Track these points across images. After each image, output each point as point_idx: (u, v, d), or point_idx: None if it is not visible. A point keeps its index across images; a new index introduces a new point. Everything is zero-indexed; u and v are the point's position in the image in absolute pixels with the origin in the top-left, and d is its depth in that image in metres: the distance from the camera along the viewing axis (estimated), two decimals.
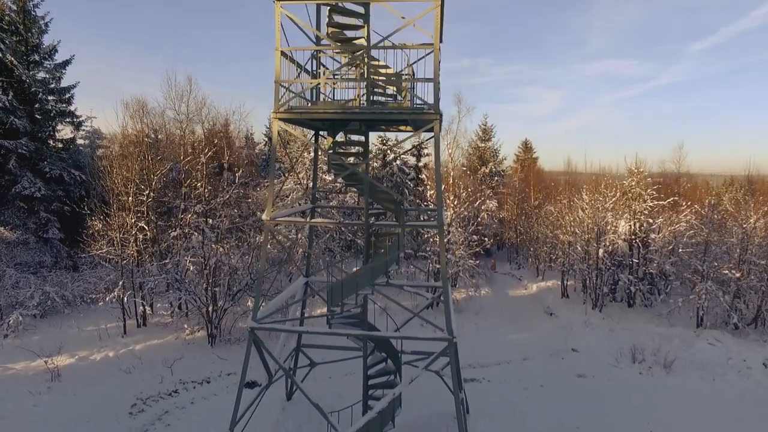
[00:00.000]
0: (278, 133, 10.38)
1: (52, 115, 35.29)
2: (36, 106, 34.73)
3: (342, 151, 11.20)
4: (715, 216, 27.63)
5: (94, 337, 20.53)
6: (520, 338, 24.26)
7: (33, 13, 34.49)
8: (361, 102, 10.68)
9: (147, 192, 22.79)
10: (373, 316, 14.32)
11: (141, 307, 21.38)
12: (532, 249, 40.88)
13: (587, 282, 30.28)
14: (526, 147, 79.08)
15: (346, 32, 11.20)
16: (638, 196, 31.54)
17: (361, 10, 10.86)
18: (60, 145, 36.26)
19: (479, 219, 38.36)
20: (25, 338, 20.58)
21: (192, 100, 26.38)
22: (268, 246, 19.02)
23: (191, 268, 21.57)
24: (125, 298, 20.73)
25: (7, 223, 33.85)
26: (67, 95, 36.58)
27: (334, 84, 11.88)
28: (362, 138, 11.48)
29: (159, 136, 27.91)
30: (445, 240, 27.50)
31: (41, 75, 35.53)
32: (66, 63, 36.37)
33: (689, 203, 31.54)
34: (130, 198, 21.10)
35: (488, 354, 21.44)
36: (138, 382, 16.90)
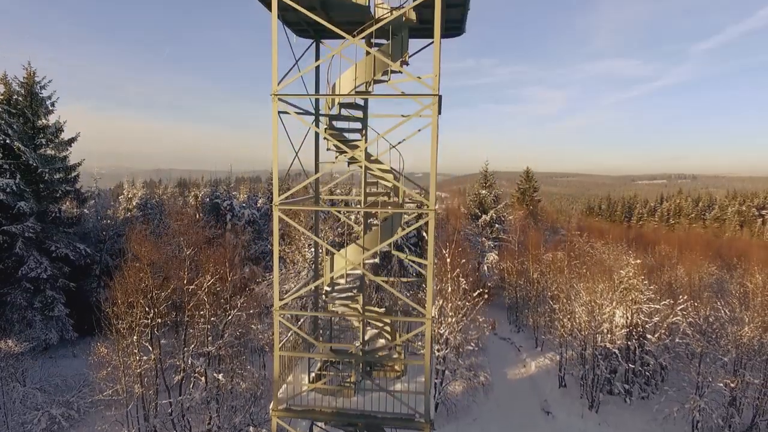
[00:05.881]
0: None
1: (57, 195, 35.77)
2: (42, 186, 35.25)
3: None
4: (709, 328, 27.91)
5: None
6: None
7: (39, 94, 34.93)
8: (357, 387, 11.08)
9: (151, 316, 23.20)
10: None
11: None
12: (532, 319, 41.32)
13: (583, 381, 30.66)
14: (528, 176, 79.55)
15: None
16: (634, 287, 31.82)
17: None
18: (66, 222, 36.82)
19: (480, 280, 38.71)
20: None
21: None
22: None
23: (196, 397, 22.11)
24: None
25: (13, 304, 34.48)
26: (73, 174, 37.10)
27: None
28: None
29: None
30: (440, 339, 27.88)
31: (47, 151, 35.99)
32: (72, 140, 36.90)
33: (686, 298, 31.74)
34: (135, 336, 21.55)
35: None
36: None
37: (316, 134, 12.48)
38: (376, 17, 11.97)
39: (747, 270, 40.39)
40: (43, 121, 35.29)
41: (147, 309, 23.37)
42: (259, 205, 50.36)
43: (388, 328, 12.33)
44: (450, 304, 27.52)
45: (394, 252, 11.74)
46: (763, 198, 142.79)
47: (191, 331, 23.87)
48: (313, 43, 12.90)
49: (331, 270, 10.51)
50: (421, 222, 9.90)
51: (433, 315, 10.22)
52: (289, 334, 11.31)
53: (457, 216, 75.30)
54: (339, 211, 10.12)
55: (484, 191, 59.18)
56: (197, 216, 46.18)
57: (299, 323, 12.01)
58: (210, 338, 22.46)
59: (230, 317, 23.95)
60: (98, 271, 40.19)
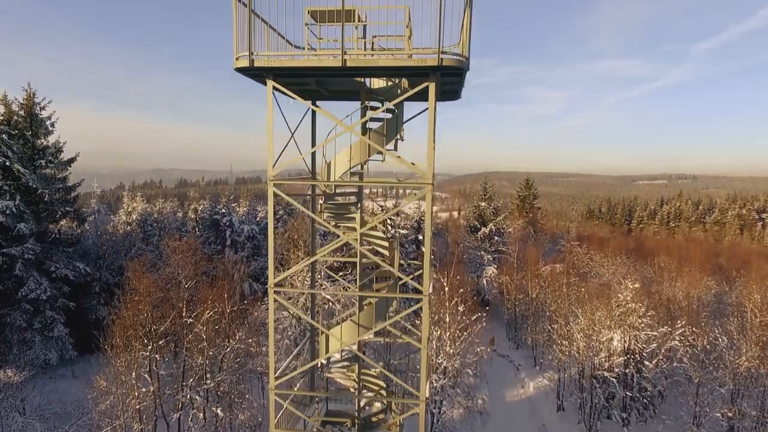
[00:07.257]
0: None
1: (57, 216, 35.81)
2: (41, 206, 35.27)
3: None
4: (707, 358, 27.99)
5: None
6: None
7: (39, 115, 34.95)
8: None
9: (150, 349, 23.28)
10: None
11: None
12: (531, 338, 41.40)
13: (581, 410, 30.76)
14: (527, 184, 79.61)
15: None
16: (632, 311, 31.81)
17: None
18: (65, 242, 36.85)
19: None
20: None
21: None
22: None
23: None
24: None
25: (12, 326, 34.57)
26: (73, 194, 37.14)
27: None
28: None
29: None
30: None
31: (47, 171, 35.98)
32: (71, 160, 36.95)
33: (684, 323, 31.77)
34: (134, 373, 21.63)
35: None
36: None
37: (313, 206, 12.63)
38: (371, 88, 12.03)
39: (746, 284, 40.29)
40: (43, 141, 35.30)
41: (146, 341, 23.48)
42: (258, 219, 50.35)
43: (383, 392, 12.42)
44: (448, 333, 27.59)
45: (390, 329, 11.77)
46: (764, 201, 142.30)
47: (190, 361, 23.97)
48: (308, 110, 12.85)
49: (327, 351, 10.59)
50: (416, 307, 9.93)
51: (427, 397, 10.29)
52: (284, 408, 11.39)
53: (457, 226, 75.42)
54: (335, 295, 10.17)
55: (483, 203, 59.15)
56: (195, 231, 46.24)
57: (295, 390, 12.05)
58: (208, 375, 22.53)
59: (228, 349, 24.05)
60: (98, 289, 40.34)
